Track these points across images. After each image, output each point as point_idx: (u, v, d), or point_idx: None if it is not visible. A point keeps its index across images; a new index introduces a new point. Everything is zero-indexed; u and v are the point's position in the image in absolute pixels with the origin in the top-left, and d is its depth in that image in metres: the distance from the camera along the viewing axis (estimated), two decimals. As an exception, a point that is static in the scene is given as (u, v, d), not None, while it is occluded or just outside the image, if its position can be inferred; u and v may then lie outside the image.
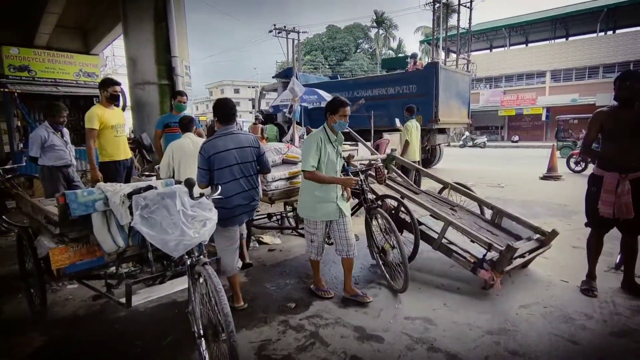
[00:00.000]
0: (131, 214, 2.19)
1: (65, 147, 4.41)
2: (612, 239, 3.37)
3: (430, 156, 11.73)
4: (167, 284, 2.71)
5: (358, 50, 50.04)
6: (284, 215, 5.09)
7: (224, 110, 2.90)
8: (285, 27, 27.42)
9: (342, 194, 3.08)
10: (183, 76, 7.51)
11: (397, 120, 8.49)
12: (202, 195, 2.23)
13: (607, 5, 26.42)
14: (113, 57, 30.23)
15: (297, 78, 13.14)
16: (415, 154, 7.04)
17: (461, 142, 25.33)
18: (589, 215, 3.17)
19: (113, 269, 2.53)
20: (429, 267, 3.82)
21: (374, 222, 3.51)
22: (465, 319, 2.78)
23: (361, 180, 3.52)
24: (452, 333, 2.59)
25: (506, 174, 10.51)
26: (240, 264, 3.30)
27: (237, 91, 55.88)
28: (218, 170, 2.78)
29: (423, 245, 3.71)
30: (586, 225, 3.25)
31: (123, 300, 2.35)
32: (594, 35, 27.88)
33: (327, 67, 46.42)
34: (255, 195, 2.99)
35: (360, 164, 4.09)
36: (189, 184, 2.16)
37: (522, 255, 3.36)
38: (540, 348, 2.40)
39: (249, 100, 16.64)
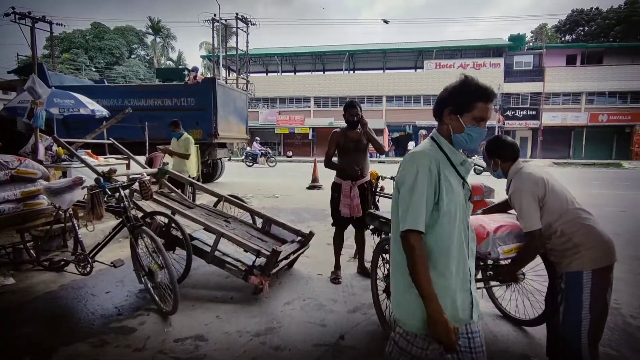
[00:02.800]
0: None
1: None
2: (352, 234, 4.21)
3: (212, 170, 11.76)
4: None
5: (133, 56, 45.57)
6: (19, 246, 3.98)
7: None
8: (29, 13, 22.03)
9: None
10: None
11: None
12: None
13: (349, 50, 33.84)
14: None
15: (46, 77, 10.76)
16: (193, 170, 6.90)
17: (243, 157, 26.58)
18: (333, 215, 3.86)
19: None
20: (204, 281, 3.77)
21: (140, 242, 3.18)
22: (236, 327, 2.86)
23: (123, 196, 3.15)
24: (223, 344, 2.61)
25: (281, 186, 11.69)
26: None
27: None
28: None
29: (199, 260, 3.63)
30: (332, 224, 3.95)
31: None
32: (341, 72, 34.90)
33: (94, 69, 40.19)
34: None
35: (130, 179, 3.67)
36: None
37: (287, 257, 3.75)
38: (298, 337, 2.72)
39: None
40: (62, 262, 3.56)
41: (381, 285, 2.87)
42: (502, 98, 29.60)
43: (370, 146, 3.79)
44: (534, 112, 29.62)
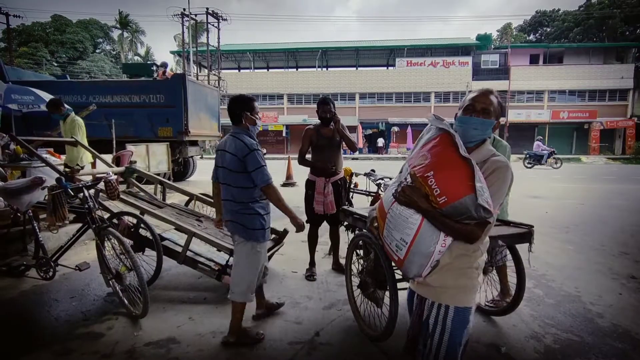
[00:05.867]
0: None
1: None
2: (326, 231, 4.22)
3: (183, 168, 11.49)
4: None
5: (97, 51, 43.75)
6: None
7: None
8: (-18, 3, 20.73)
9: None
10: None
11: None
12: None
13: (321, 47, 33.84)
14: None
15: (4, 72, 10.18)
16: (84, 159, 5.62)
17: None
18: (307, 212, 3.86)
19: None
20: (176, 283, 3.68)
21: (106, 244, 3.06)
22: (210, 327, 2.81)
23: (87, 196, 3.02)
24: (196, 346, 2.56)
25: (255, 184, 11.54)
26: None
27: None
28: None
29: (170, 261, 3.54)
30: (306, 222, 3.94)
31: None
32: (314, 69, 34.86)
33: (55, 64, 38.31)
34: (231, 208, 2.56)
35: (94, 178, 3.52)
36: None
37: (261, 255, 3.71)
38: (274, 336, 2.70)
39: None
40: (22, 267, 3.38)
41: (356, 281, 2.89)
42: (470, 96, 30.47)
43: (344, 143, 3.80)
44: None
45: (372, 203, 3.75)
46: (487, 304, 3.07)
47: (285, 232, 4.05)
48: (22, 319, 3.01)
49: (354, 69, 34.44)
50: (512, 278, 2.90)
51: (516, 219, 2.86)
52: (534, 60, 32.28)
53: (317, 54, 33.78)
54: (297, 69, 36.26)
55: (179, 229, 3.57)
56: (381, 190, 3.64)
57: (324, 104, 3.68)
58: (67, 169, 5.10)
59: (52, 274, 3.21)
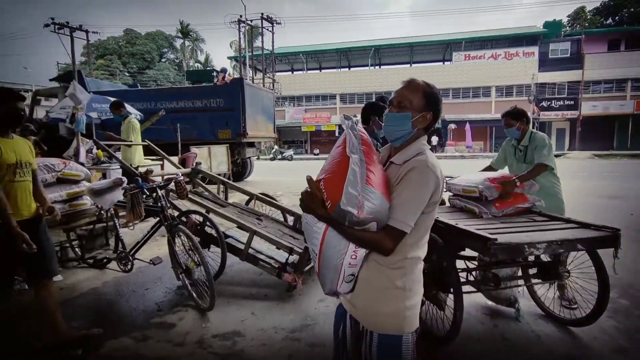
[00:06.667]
0: None
1: None
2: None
3: (241, 169, 11.97)
4: None
5: (163, 60, 47.02)
6: (65, 245, 4.20)
7: None
8: (68, 23, 23.14)
9: None
10: None
11: None
12: None
13: (374, 45, 33.47)
14: None
15: (84, 83, 11.28)
16: (136, 159, 5.99)
17: (272, 156, 26.97)
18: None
19: None
20: (239, 279, 3.84)
21: (177, 241, 3.28)
22: (272, 323, 2.89)
23: (160, 196, 3.25)
24: (259, 340, 2.65)
25: (309, 183, 11.70)
26: None
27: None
28: None
29: (233, 258, 3.70)
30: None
31: None
32: (367, 68, 34.56)
33: (127, 74, 41.77)
34: None
35: (166, 179, 3.79)
36: None
37: (319, 254, 3.75)
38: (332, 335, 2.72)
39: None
40: (105, 260, 3.72)
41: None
42: (536, 88, 28.37)
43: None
44: (572, 102, 28.15)
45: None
46: (564, 305, 2.86)
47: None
48: (106, 307, 3.32)
49: (408, 65, 33.63)
50: (590, 285, 2.66)
51: (594, 222, 2.61)
52: (613, 46, 29.16)
53: (369, 52, 33.47)
54: (349, 69, 36.20)
55: (241, 227, 3.72)
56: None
57: (383, 103, 3.63)
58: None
59: (130, 267, 3.50)
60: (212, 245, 3.79)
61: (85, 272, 4.08)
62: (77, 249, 4.16)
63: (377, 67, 35.23)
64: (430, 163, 1.27)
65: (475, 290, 2.69)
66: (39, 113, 13.00)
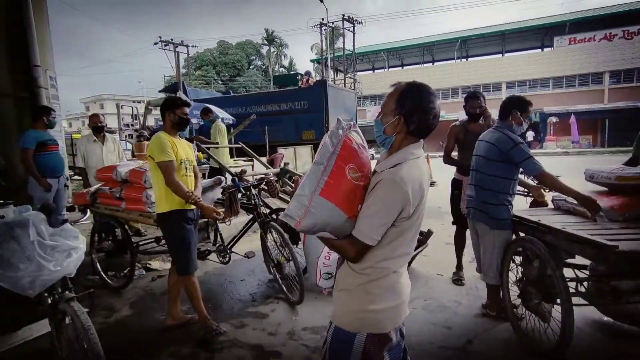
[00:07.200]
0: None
1: None
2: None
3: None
4: (24, 330, 2.29)
5: (251, 67, 50.20)
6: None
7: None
8: (172, 40, 26.06)
9: None
10: (47, 88, 6.53)
11: None
12: (65, 221, 1.95)
13: (461, 37, 31.59)
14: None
15: (186, 93, 12.58)
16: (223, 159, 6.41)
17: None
18: (454, 214, 3.65)
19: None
20: (325, 275, 3.94)
21: (269, 237, 3.50)
22: (358, 321, 2.92)
23: (254, 194, 3.50)
24: (347, 336, 2.70)
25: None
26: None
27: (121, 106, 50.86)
28: None
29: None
30: (452, 223, 3.74)
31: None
32: (453, 61, 32.78)
33: (220, 82, 45.48)
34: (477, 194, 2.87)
35: (258, 178, 4.07)
36: (47, 209, 1.88)
37: (404, 255, 3.68)
38: (422, 338, 2.66)
39: (132, 116, 15.23)
40: (206, 252, 4.12)
41: (515, 290, 2.62)
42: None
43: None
44: None
45: (532, 205, 3.31)
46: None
47: (430, 232, 3.93)
48: (207, 294, 3.67)
49: (499, 55, 31.11)
50: None
51: None
52: None
53: (455, 45, 31.71)
54: (433, 63, 34.76)
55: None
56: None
57: (474, 98, 3.43)
58: None
59: (228, 259, 3.82)
60: (299, 242, 3.96)
61: (190, 261, 4.56)
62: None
63: (464, 60, 33.22)
64: (399, 177, 1.22)
65: (586, 303, 2.40)
66: (150, 121, 14.81)
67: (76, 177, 6.60)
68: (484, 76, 29.75)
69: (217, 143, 6.39)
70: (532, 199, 3.44)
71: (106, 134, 5.21)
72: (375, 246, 1.27)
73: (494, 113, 3.48)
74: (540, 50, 30.54)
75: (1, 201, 4.37)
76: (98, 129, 5.10)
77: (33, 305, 2.04)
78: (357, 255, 1.29)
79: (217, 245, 3.96)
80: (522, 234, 2.70)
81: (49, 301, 1.86)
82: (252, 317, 3.08)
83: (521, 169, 2.64)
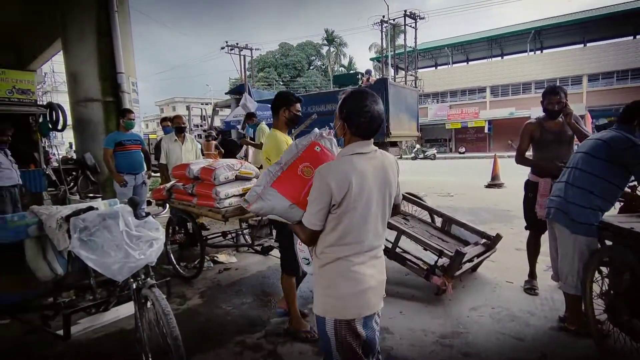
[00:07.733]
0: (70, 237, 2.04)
1: (11, 166, 4.15)
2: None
3: (384, 168, 12.06)
4: (112, 311, 2.55)
5: (311, 67, 50.97)
6: (239, 232, 4.98)
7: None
8: (237, 44, 27.37)
9: None
10: (130, 93, 7.22)
11: None
12: (148, 214, 2.14)
13: (535, 27, 29.25)
14: (52, 74, 28.51)
15: (250, 94, 13.11)
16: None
17: (413, 155, 26.38)
18: (527, 218, 3.40)
19: (51, 298, 2.33)
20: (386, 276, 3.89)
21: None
22: (421, 325, 2.85)
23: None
24: (408, 340, 2.65)
25: (455, 184, 11.06)
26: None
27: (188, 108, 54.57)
28: None
29: (378, 255, 3.78)
30: (526, 228, 3.49)
31: (61, 332, 2.17)
32: (525, 54, 30.50)
33: (281, 83, 46.77)
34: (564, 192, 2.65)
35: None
36: (133, 203, 2.07)
37: (470, 260, 3.52)
38: (490, 347, 2.52)
39: (201, 117, 16.27)
40: (269, 247, 4.27)
41: (599, 304, 2.37)
42: None
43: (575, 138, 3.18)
44: None
45: (623, 210, 2.96)
46: None
47: (499, 237, 3.71)
48: (269, 288, 3.81)
49: (580, 45, 28.35)
50: None
51: None
52: None
53: (527, 36, 29.45)
54: (502, 57, 32.66)
55: (389, 226, 3.76)
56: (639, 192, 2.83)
57: (553, 93, 3.15)
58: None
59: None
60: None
61: (253, 256, 4.77)
62: (247, 237, 4.88)
63: (538, 52, 30.74)
64: (323, 170, 1.44)
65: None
66: (217, 122, 15.68)
67: (154, 174, 7.21)
68: (560, 69, 27.30)
69: (262, 144, 6.62)
70: (622, 203, 3.09)
71: (186, 134, 5.62)
72: (324, 232, 1.48)
73: (573, 108, 3.18)
74: (632, 37, 27.19)
75: (92, 195, 4.93)
76: (180, 129, 5.51)
77: (120, 289, 2.27)
78: (309, 239, 1.52)
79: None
80: (607, 242, 2.45)
81: (134, 286, 2.05)
82: (312, 312, 3.13)
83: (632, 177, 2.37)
